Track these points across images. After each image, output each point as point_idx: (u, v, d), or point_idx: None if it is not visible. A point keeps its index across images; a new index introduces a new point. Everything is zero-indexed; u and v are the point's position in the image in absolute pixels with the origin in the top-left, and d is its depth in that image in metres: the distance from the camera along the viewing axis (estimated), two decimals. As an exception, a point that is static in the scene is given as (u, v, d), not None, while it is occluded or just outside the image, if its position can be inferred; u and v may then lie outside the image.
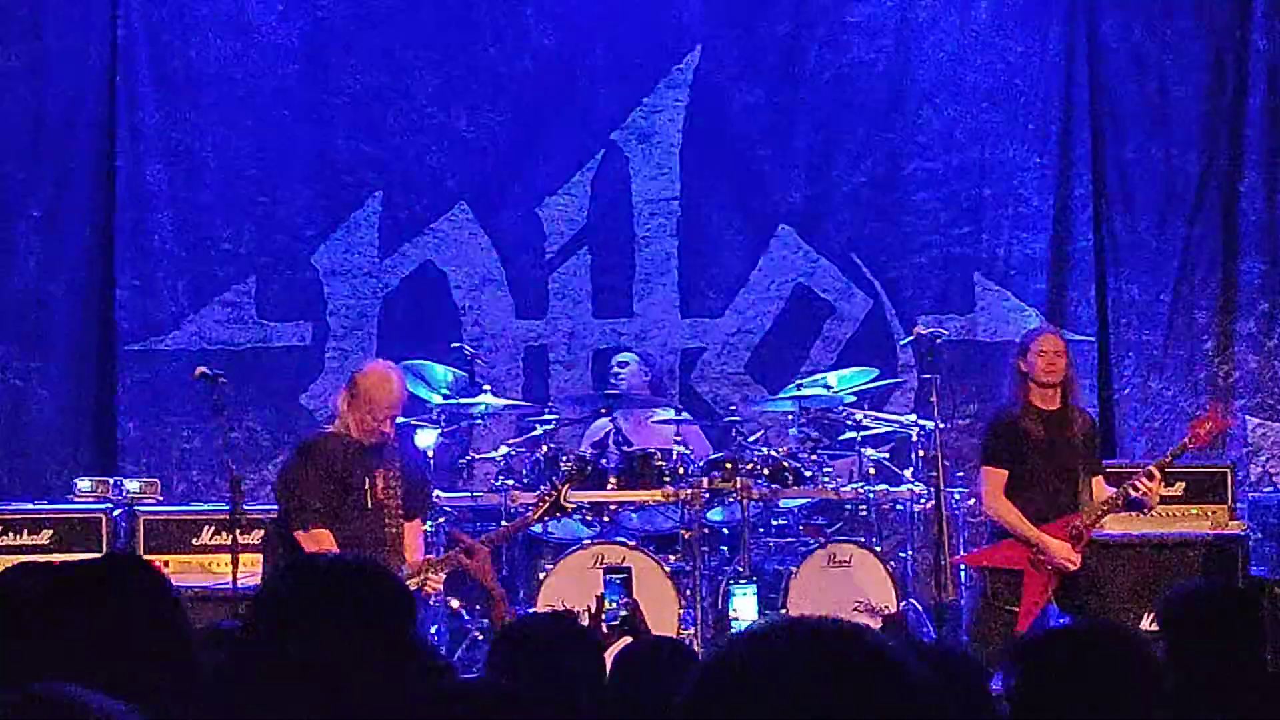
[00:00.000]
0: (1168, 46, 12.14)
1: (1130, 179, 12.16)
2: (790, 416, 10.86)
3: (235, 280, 11.88)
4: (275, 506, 8.93)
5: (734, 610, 10.06)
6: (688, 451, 10.50)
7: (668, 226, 12.16)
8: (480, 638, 9.98)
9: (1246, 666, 4.92)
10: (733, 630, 9.68)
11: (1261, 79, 12.09)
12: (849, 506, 10.65)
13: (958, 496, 10.54)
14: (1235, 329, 12.09)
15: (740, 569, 10.24)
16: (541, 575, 10.12)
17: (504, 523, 9.62)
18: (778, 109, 12.16)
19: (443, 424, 10.63)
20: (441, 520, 10.22)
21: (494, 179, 12.11)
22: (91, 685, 2.54)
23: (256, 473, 11.33)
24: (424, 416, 10.55)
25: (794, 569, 10.08)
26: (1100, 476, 9.44)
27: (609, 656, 4.85)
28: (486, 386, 10.85)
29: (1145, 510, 9.54)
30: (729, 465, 10.38)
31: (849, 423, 10.67)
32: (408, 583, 8.35)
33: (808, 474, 10.45)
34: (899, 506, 10.72)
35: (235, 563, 8.77)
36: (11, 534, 10.34)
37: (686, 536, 10.36)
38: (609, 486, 10.33)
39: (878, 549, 10.36)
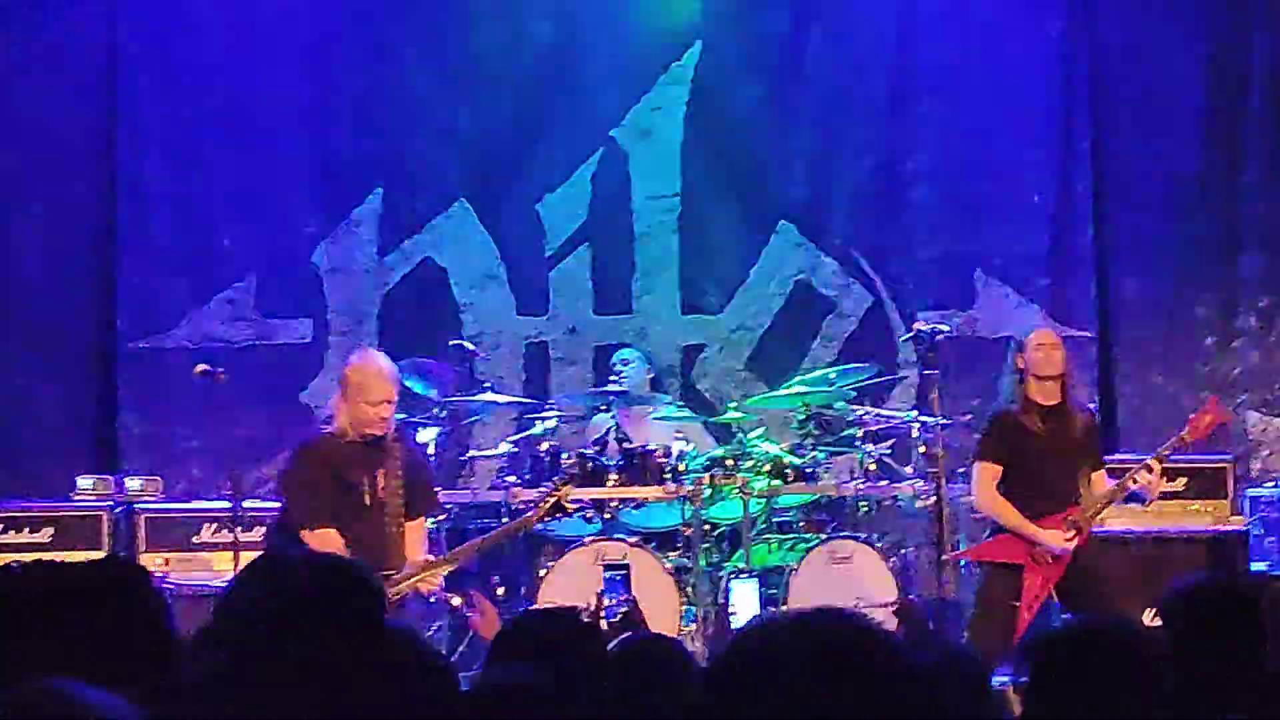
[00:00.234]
0: (1168, 43, 12.13)
1: (1131, 175, 12.16)
2: (791, 413, 10.86)
3: (236, 278, 11.89)
4: (277, 504, 8.92)
5: (733, 606, 10.06)
6: (689, 448, 10.49)
7: (668, 223, 12.16)
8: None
9: (1248, 662, 4.92)
10: (733, 625, 9.68)
11: (1262, 75, 12.08)
12: (850, 503, 10.65)
13: (959, 492, 10.53)
14: (1235, 325, 12.10)
15: (741, 566, 10.24)
16: (542, 572, 10.11)
17: (505, 521, 9.61)
18: (778, 105, 12.17)
19: (443, 421, 10.63)
20: (443, 518, 10.22)
21: (494, 176, 12.11)
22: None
23: (257, 470, 11.31)
24: (424, 414, 10.55)
25: (795, 565, 10.08)
26: (1102, 471, 9.44)
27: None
28: (487, 383, 10.84)
29: (1145, 503, 9.55)
30: (730, 462, 10.37)
31: (850, 419, 10.66)
32: (407, 582, 8.37)
33: (808, 470, 10.44)
34: (900, 503, 10.71)
35: (236, 560, 8.78)
36: (12, 531, 10.34)
37: (687, 533, 10.36)
38: (609, 483, 10.32)
39: (878, 545, 10.36)
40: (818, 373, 10.97)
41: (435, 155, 12.04)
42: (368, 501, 8.47)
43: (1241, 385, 12.04)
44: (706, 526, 10.49)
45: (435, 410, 10.63)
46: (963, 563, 9.94)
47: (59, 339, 11.71)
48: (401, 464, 8.56)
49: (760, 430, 10.79)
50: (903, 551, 10.76)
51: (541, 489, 9.35)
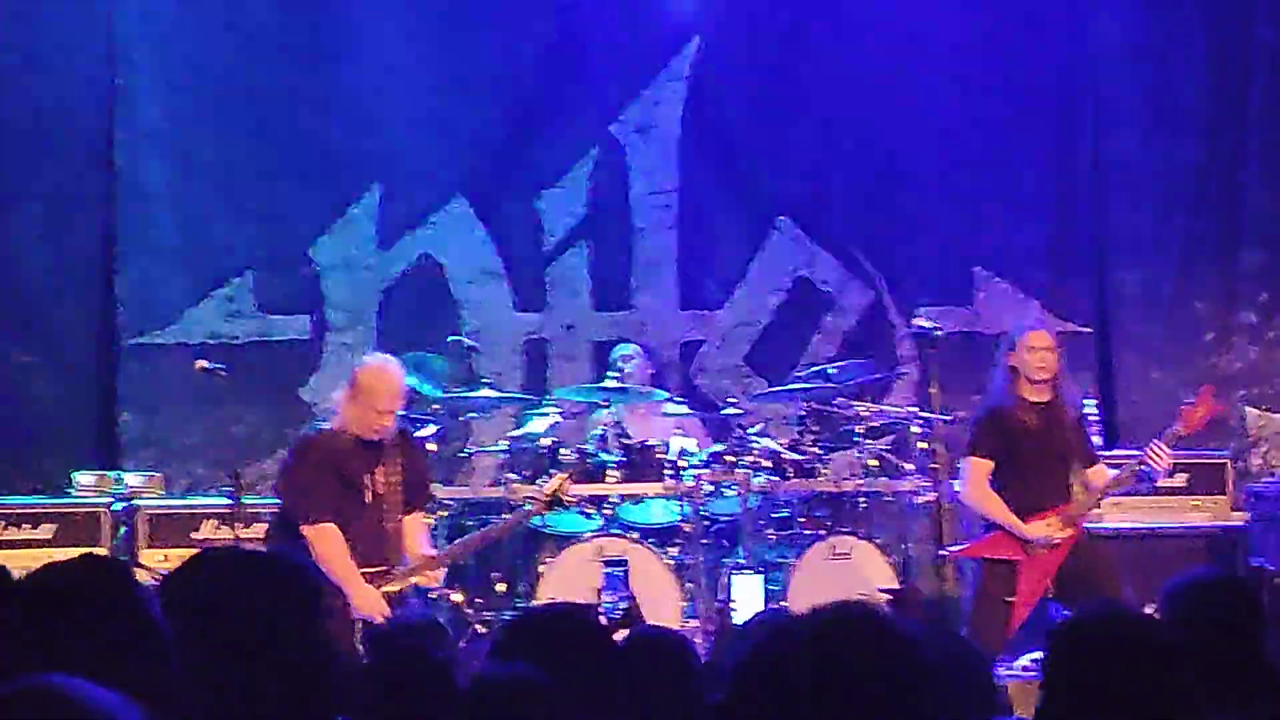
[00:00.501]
0: (1169, 37, 12.14)
1: (1130, 170, 12.16)
2: (791, 409, 10.86)
3: (235, 274, 11.89)
4: (277, 500, 8.92)
5: (734, 601, 10.06)
6: (688, 444, 10.49)
7: (666, 219, 12.16)
8: (482, 630, 9.97)
9: (1248, 657, 4.92)
10: (734, 620, 9.68)
11: (1263, 70, 12.09)
12: (849, 499, 10.65)
13: (958, 488, 10.53)
14: (1235, 320, 12.10)
15: (741, 561, 10.25)
16: (542, 568, 10.12)
17: (504, 516, 9.60)
18: (777, 100, 12.16)
19: (442, 418, 10.63)
20: (443, 514, 10.22)
21: (492, 172, 12.11)
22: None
23: (257, 466, 11.32)
24: (423, 410, 10.55)
25: (795, 561, 10.08)
26: (1099, 465, 9.46)
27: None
28: (486, 380, 10.84)
29: (1153, 483, 9.57)
30: (729, 458, 10.38)
31: (849, 415, 10.66)
32: (410, 575, 8.38)
33: (808, 466, 10.44)
34: (900, 499, 10.71)
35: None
36: (13, 528, 10.34)
37: (687, 529, 10.36)
38: (609, 479, 10.32)
39: (878, 541, 10.36)
40: (817, 369, 10.96)
41: (433, 151, 12.03)
42: (367, 497, 8.49)
43: (1241, 380, 12.05)
44: (706, 522, 10.49)
45: (434, 407, 10.63)
46: (963, 558, 9.94)
47: (59, 335, 11.71)
48: (401, 460, 8.58)
49: (760, 426, 10.79)
50: (903, 547, 10.76)
51: (539, 483, 9.37)
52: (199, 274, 11.87)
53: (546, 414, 10.72)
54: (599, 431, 10.68)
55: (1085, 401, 11.55)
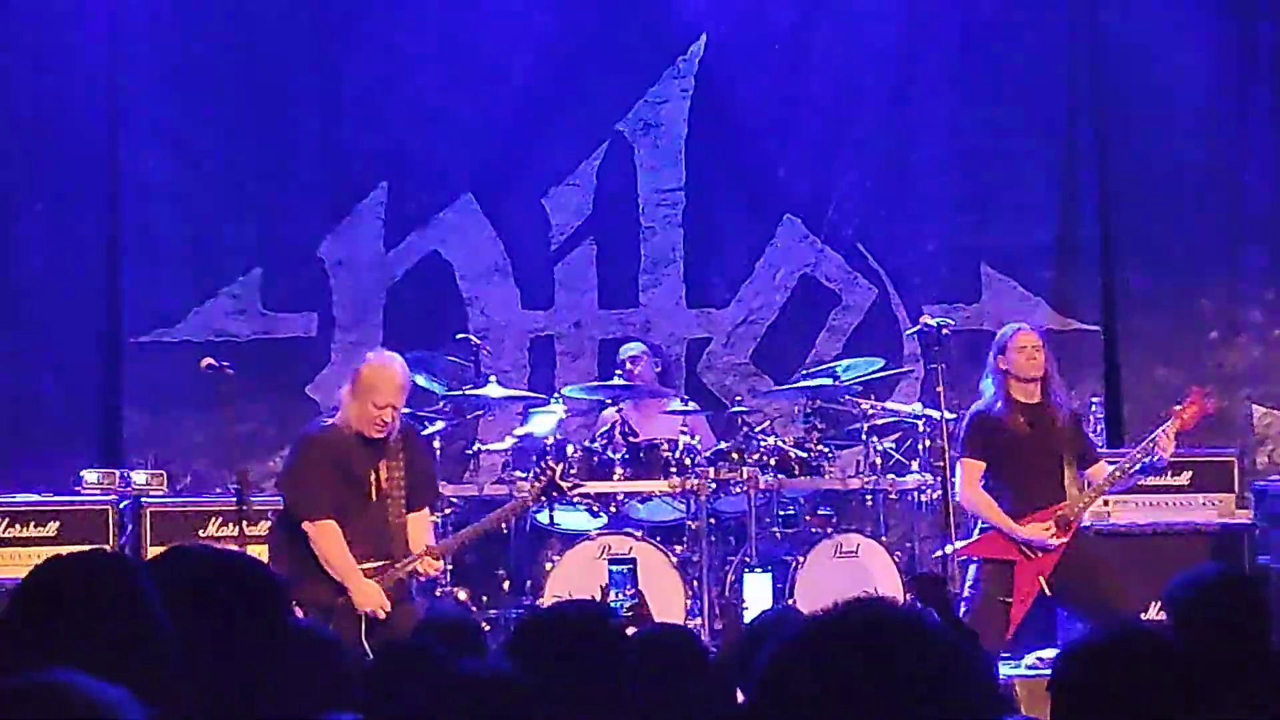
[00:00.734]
0: (1173, 35, 12.12)
1: (1136, 168, 12.15)
2: (797, 407, 10.85)
3: (241, 272, 11.88)
4: (279, 497, 8.93)
5: (745, 600, 10.06)
6: (694, 442, 10.49)
7: (673, 217, 12.16)
8: (487, 628, 9.97)
9: (1253, 653, 4.92)
10: (744, 619, 9.68)
11: (1267, 67, 12.08)
12: (855, 496, 10.65)
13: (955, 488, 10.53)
14: (1241, 318, 12.09)
15: (748, 559, 10.24)
16: (548, 566, 10.12)
17: (487, 517, 9.53)
18: (783, 98, 12.16)
19: (449, 415, 10.63)
20: (449, 512, 10.22)
21: (499, 169, 12.11)
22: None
23: (262, 464, 11.33)
24: (429, 408, 10.55)
25: (801, 559, 10.08)
26: (1100, 462, 9.50)
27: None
28: (493, 377, 10.84)
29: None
30: (735, 455, 10.38)
31: (855, 413, 10.66)
32: (408, 566, 8.38)
33: (814, 464, 10.44)
34: (906, 496, 10.71)
35: (242, 554, 8.76)
36: (19, 525, 10.33)
37: (693, 527, 10.35)
38: (615, 477, 10.32)
39: (884, 539, 10.36)
40: (823, 366, 10.96)
41: (440, 149, 12.04)
42: (371, 494, 8.49)
43: (1246, 378, 12.04)
44: (712, 520, 10.49)
45: (441, 404, 10.63)
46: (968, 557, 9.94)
47: (64, 334, 11.70)
48: (404, 456, 8.58)
49: (766, 424, 10.78)
50: (908, 545, 10.76)
51: (533, 473, 9.38)
52: (204, 272, 11.87)
53: (553, 412, 10.71)
54: (605, 429, 10.68)
55: (1091, 399, 11.62)
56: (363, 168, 12.00)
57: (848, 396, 10.68)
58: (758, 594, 10.08)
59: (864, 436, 10.55)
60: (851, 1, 12.18)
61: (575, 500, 10.00)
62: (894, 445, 10.77)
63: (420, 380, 10.29)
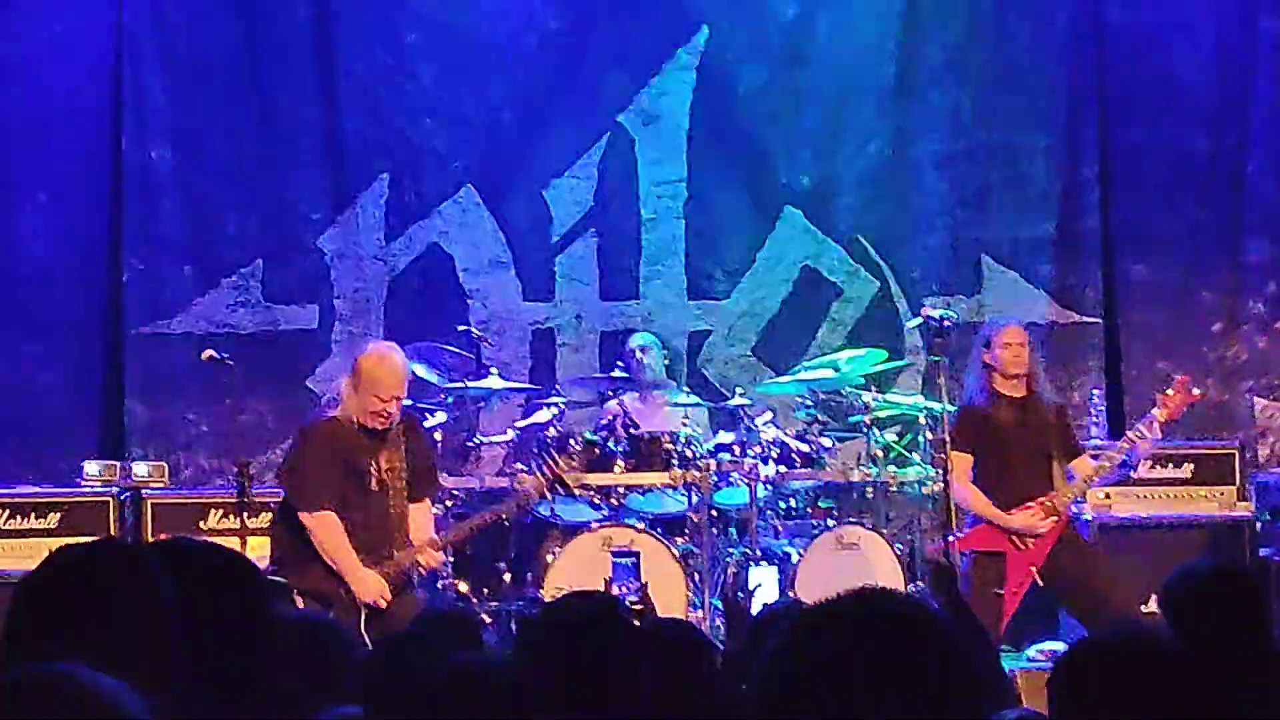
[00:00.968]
0: (1174, 27, 12.12)
1: (1137, 160, 12.14)
2: (798, 399, 10.85)
3: (242, 263, 11.89)
4: (280, 489, 8.93)
5: (751, 592, 10.05)
6: (696, 434, 10.49)
7: (674, 209, 12.15)
8: (488, 621, 9.98)
9: (1252, 646, 4.91)
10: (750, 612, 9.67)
11: (1268, 60, 12.07)
12: (857, 488, 10.65)
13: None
14: (1243, 310, 12.09)
15: (749, 551, 10.24)
16: (550, 558, 10.11)
17: (488, 509, 9.54)
18: (785, 90, 12.15)
19: (450, 408, 10.63)
20: (450, 504, 10.23)
21: (500, 162, 12.11)
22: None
23: (263, 456, 11.32)
24: (430, 400, 10.55)
25: (802, 551, 10.07)
26: (1084, 456, 9.54)
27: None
28: (494, 369, 10.84)
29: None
30: (737, 448, 10.38)
31: (857, 405, 10.65)
32: (409, 557, 8.38)
33: (816, 456, 10.44)
34: (907, 489, 10.71)
35: (243, 546, 8.75)
36: (19, 517, 10.33)
37: (695, 519, 10.35)
38: (617, 469, 10.32)
39: (886, 531, 10.36)
40: (825, 359, 10.96)
41: (442, 141, 12.04)
42: (372, 485, 8.48)
43: (1248, 371, 12.04)
44: (714, 513, 10.49)
45: (442, 396, 10.64)
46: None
47: (66, 325, 11.71)
48: (405, 447, 8.58)
49: (767, 416, 10.78)
50: (910, 537, 10.76)
51: (537, 467, 9.38)
52: (206, 263, 11.87)
53: (554, 404, 10.71)
54: (606, 421, 10.68)
55: (1093, 392, 11.63)
56: (364, 159, 11.99)
57: (849, 389, 10.68)
58: (764, 587, 10.08)
59: (865, 429, 10.55)
60: (853, -7, 12.20)
61: (577, 493, 10.00)
62: (895, 438, 10.78)
63: (421, 372, 10.29)
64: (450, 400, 10.64)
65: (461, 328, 11.20)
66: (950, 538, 9.51)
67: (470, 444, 10.98)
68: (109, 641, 2.97)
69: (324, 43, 11.95)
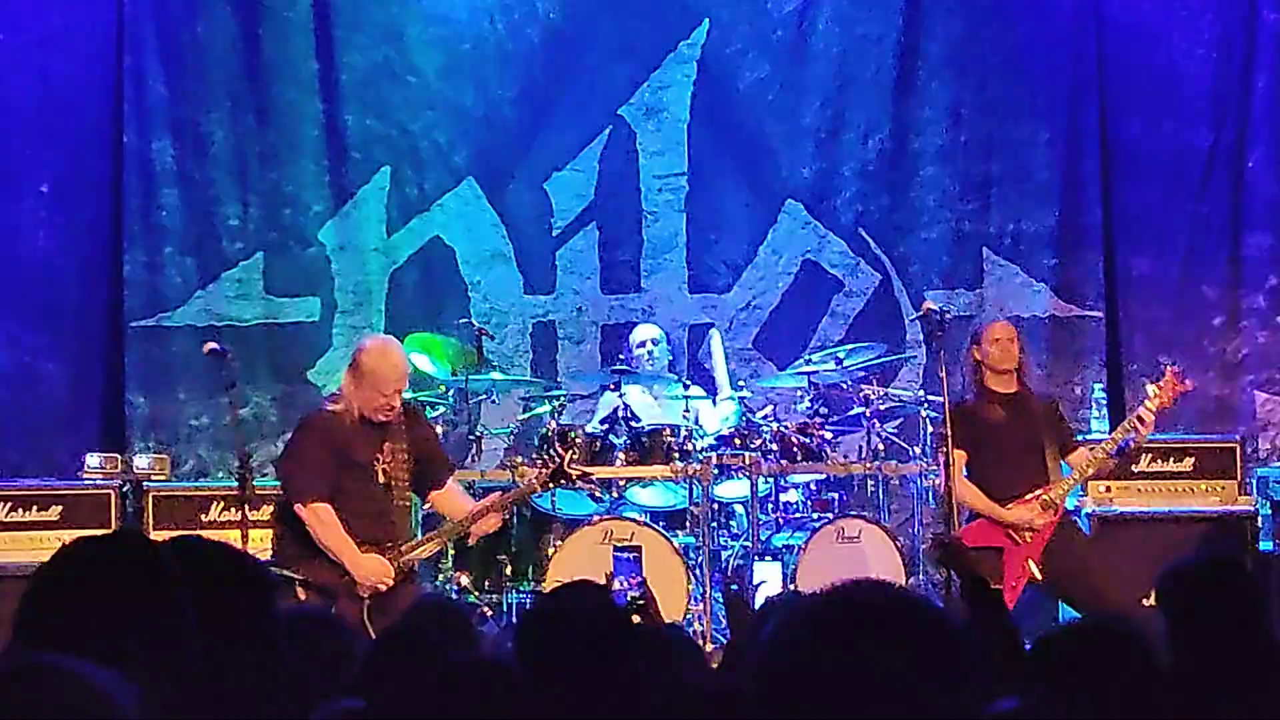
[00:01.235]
0: (1176, 21, 12.12)
1: (1138, 154, 12.14)
2: (799, 392, 10.85)
3: (243, 256, 11.89)
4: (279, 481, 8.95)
5: (756, 586, 10.05)
6: (697, 427, 10.49)
7: (675, 202, 12.16)
8: (489, 614, 9.98)
9: (1250, 640, 4.91)
10: (751, 605, 9.68)
11: (1269, 53, 12.07)
12: (857, 482, 10.66)
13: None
14: (1243, 304, 12.09)
15: (750, 545, 10.24)
16: (550, 551, 10.12)
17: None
18: (786, 84, 12.15)
19: (451, 400, 10.63)
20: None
21: (502, 155, 12.11)
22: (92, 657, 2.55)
23: (265, 448, 11.33)
24: (431, 393, 10.55)
25: (803, 544, 10.08)
26: (1081, 449, 9.55)
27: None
28: (494, 362, 10.83)
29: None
30: (738, 441, 10.38)
31: (858, 398, 10.65)
32: (437, 541, 8.43)
33: (817, 449, 10.44)
34: (908, 482, 10.72)
35: (244, 539, 8.75)
36: (21, 510, 10.32)
37: (695, 512, 10.35)
38: (618, 462, 10.32)
39: (886, 524, 10.37)
40: (826, 352, 10.96)
41: (443, 134, 12.04)
42: (379, 478, 8.49)
43: (1249, 364, 12.05)
44: (715, 506, 10.49)
45: (442, 389, 10.64)
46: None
47: (67, 317, 11.71)
48: (408, 439, 8.58)
49: (768, 409, 10.78)
50: (911, 531, 10.77)
51: (543, 459, 9.38)
52: (207, 256, 11.87)
53: (555, 397, 10.72)
54: (607, 414, 10.67)
55: (1094, 385, 11.63)
56: (365, 152, 11.99)
57: (849, 382, 10.68)
58: (768, 582, 10.07)
59: (866, 422, 10.55)
60: (855, -13, 12.20)
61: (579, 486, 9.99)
62: (896, 431, 10.78)
63: (422, 365, 10.29)
64: (451, 393, 10.64)
65: (462, 321, 11.19)
66: (923, 547, 9.55)
67: (471, 437, 10.98)
68: (121, 633, 2.98)
69: (325, 35, 11.94)
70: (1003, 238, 12.13)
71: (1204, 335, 12.08)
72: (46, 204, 11.67)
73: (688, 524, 10.42)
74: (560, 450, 9.25)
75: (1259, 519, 10.67)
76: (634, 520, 10.15)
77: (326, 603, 8.00)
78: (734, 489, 10.53)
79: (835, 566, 9.87)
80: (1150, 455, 10.63)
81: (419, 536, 8.68)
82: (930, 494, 10.55)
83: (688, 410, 10.56)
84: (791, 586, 9.86)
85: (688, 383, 11.04)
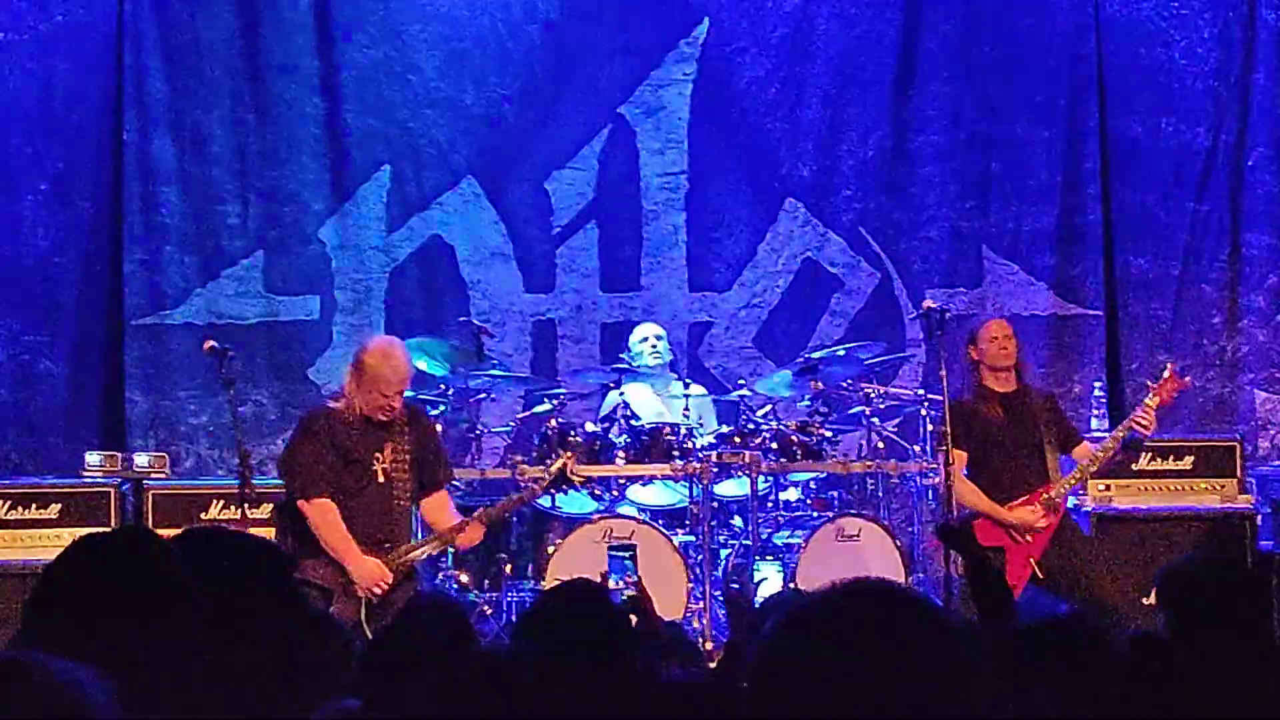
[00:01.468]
0: (1175, 20, 12.12)
1: (1138, 153, 12.15)
2: (799, 391, 10.85)
3: (243, 254, 11.90)
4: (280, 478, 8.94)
5: (756, 584, 10.05)
6: (696, 426, 10.49)
7: (675, 200, 12.16)
8: (489, 612, 9.98)
9: (1251, 639, 4.91)
10: (754, 605, 9.68)
11: (1269, 53, 12.08)
12: (857, 480, 10.66)
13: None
14: (1243, 303, 12.09)
15: (750, 544, 10.24)
16: (550, 549, 10.12)
17: (512, 494, 9.57)
18: (786, 82, 12.16)
19: (451, 399, 10.63)
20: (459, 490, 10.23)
21: (502, 153, 12.11)
22: (96, 652, 2.55)
23: (264, 446, 11.34)
24: (431, 391, 10.55)
25: (803, 543, 10.07)
26: (1084, 444, 9.54)
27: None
28: (494, 360, 10.84)
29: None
30: (737, 439, 10.37)
31: (857, 397, 10.65)
32: (410, 554, 8.38)
33: (816, 448, 10.44)
34: (908, 480, 10.72)
35: (244, 537, 8.76)
36: (21, 508, 10.32)
37: (695, 511, 10.34)
38: (618, 461, 10.32)
39: (886, 522, 10.36)
40: (825, 351, 10.96)
41: (443, 132, 12.05)
42: (377, 476, 8.48)
43: (1248, 364, 12.05)
44: (714, 505, 10.48)
45: (442, 387, 10.64)
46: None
47: (67, 316, 11.72)
48: (410, 439, 8.57)
49: (768, 408, 10.78)
50: (911, 529, 10.76)
51: (546, 462, 9.37)
52: (207, 254, 11.88)
53: (555, 395, 10.72)
54: (607, 413, 10.67)
55: (1094, 384, 11.63)
56: (365, 151, 12.00)
57: (849, 381, 10.68)
58: (769, 581, 10.07)
59: (866, 421, 10.55)
60: (854, -14, 12.20)
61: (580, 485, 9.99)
62: (896, 429, 10.78)
63: (422, 364, 10.29)
64: (451, 392, 10.64)
65: (462, 319, 11.20)
66: (923, 546, 9.55)
67: (471, 435, 10.98)
68: (127, 629, 2.98)
69: (325, 33, 11.95)
70: (1002, 237, 12.13)
71: (1204, 334, 12.09)
72: (46, 202, 11.67)
73: (687, 522, 10.41)
74: (564, 454, 9.23)
75: (1259, 518, 10.67)
76: (633, 519, 10.15)
77: (324, 602, 8.00)
78: (734, 487, 10.52)
79: (835, 565, 9.87)
80: (1150, 454, 10.63)
81: (419, 538, 8.66)
82: (930, 492, 10.54)
83: (688, 409, 10.56)
84: (791, 585, 9.85)
85: (688, 381, 11.04)
